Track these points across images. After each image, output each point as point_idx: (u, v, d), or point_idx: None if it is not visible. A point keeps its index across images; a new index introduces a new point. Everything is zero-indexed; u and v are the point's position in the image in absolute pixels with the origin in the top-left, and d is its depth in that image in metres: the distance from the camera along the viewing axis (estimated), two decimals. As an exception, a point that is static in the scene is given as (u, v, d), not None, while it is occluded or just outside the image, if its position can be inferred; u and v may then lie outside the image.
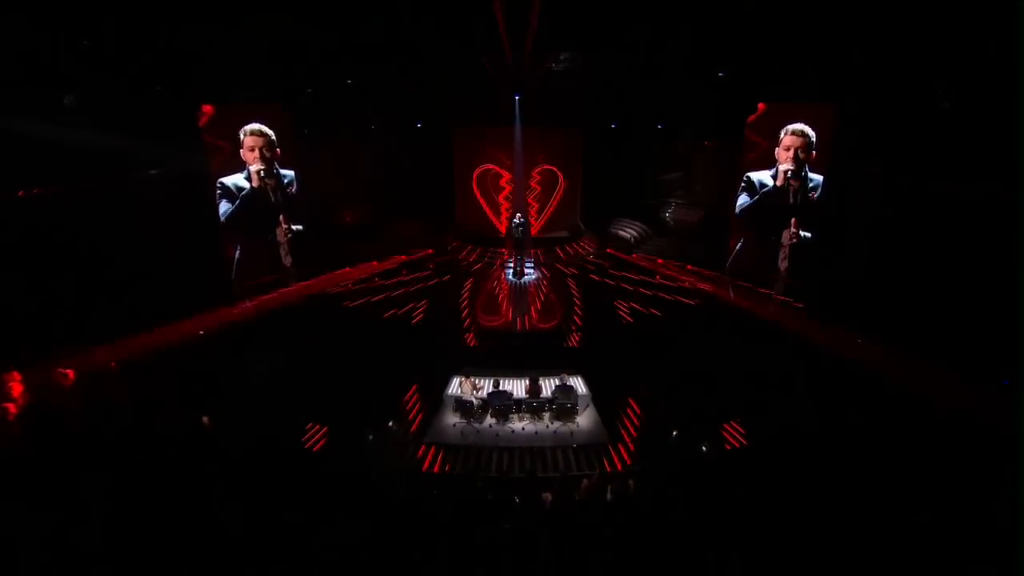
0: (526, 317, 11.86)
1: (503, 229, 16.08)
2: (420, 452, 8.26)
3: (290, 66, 11.29)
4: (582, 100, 15.14)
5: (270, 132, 11.36)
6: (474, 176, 16.32)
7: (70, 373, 7.88)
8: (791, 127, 12.23)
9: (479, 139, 16.08)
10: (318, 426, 8.30)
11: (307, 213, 13.46)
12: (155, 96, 10.68)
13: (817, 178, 12.23)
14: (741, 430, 8.31)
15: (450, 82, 14.64)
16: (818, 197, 12.34)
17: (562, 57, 14.16)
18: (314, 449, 8.05)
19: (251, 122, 11.14)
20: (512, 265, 14.75)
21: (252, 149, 11.19)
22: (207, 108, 10.74)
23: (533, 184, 16.20)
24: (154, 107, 10.69)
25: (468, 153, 16.32)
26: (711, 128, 15.07)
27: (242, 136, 11.12)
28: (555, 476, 7.54)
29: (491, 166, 16.16)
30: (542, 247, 15.93)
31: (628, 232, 16.72)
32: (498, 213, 16.48)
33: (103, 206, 10.52)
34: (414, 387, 9.36)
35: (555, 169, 16.21)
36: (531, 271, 14.84)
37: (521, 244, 14.66)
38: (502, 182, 16.24)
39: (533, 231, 16.01)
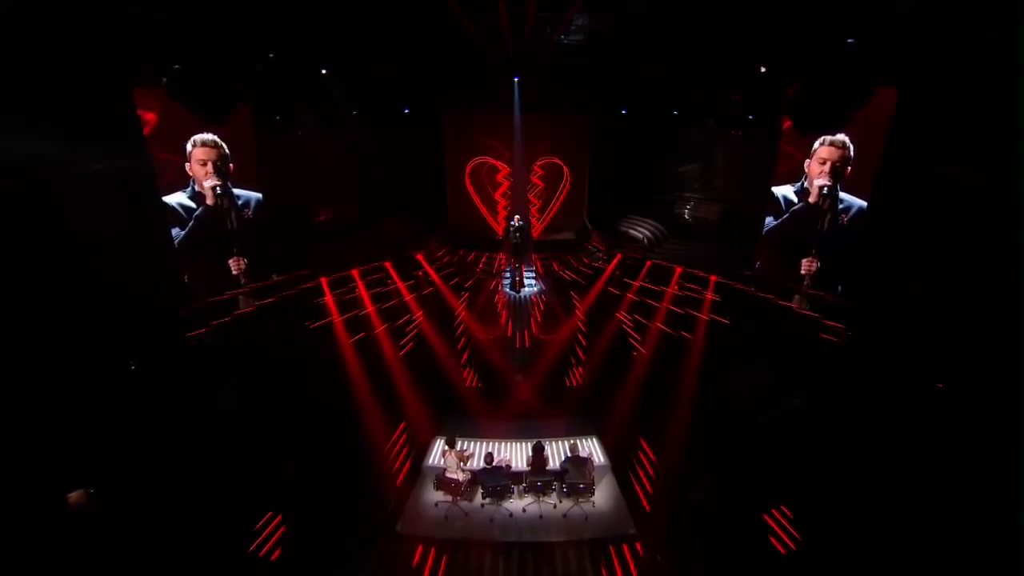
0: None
1: (500, 230, 14.45)
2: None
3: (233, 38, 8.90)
4: (593, 81, 13.10)
5: (223, 144, 9.56)
6: (467, 170, 14.55)
7: None
8: (829, 137, 10.41)
9: (474, 127, 14.19)
10: None
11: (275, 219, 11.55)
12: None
13: (858, 202, 10.29)
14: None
15: (438, 59, 12.53)
16: (852, 222, 10.41)
17: (574, 25, 11.94)
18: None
19: (203, 130, 9.29)
20: (509, 276, 13.22)
21: (204, 163, 9.36)
22: (150, 116, 8.89)
23: (534, 179, 14.45)
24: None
25: (460, 144, 14.45)
26: (738, 114, 13.05)
27: (190, 147, 9.27)
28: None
29: (487, 158, 14.38)
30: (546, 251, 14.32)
31: (641, 232, 15.05)
32: (494, 212, 14.78)
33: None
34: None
35: (559, 162, 14.43)
36: (531, 282, 13.31)
37: (520, 250, 13.04)
38: (499, 177, 14.49)
39: (535, 232, 14.40)
